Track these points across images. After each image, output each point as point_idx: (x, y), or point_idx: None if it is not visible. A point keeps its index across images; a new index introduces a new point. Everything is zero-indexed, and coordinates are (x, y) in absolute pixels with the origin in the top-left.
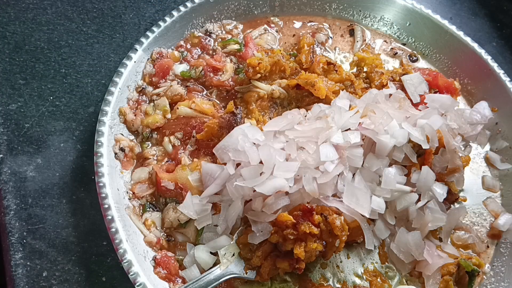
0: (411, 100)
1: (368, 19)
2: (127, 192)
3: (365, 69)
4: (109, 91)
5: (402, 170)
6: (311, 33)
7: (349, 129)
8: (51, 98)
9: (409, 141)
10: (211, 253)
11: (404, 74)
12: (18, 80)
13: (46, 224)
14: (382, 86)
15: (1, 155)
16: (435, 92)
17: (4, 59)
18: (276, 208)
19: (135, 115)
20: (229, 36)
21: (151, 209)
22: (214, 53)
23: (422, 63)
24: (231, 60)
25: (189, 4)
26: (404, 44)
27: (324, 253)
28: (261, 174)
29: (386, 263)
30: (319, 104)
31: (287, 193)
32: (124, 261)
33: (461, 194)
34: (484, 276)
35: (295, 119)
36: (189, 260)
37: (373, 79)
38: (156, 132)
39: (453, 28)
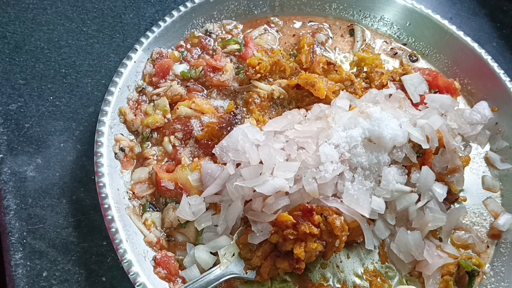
0: (411, 100)
1: (368, 19)
2: (127, 192)
3: (365, 69)
4: (109, 91)
5: (402, 170)
6: (311, 33)
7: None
8: (51, 98)
9: (409, 141)
10: (211, 253)
11: (404, 74)
12: (18, 80)
13: (46, 224)
14: (382, 86)
15: (1, 155)
16: (435, 92)
17: (4, 59)
18: (276, 208)
19: (135, 115)
20: (229, 36)
21: (151, 209)
22: (214, 53)
23: (422, 63)
24: (231, 60)
25: (189, 4)
26: (404, 44)
27: (324, 253)
28: (261, 174)
29: (386, 263)
30: (319, 104)
31: (287, 193)
32: (124, 261)
33: (461, 194)
34: (484, 276)
35: (295, 119)
36: (189, 260)
37: (373, 79)
38: (156, 132)
39: (453, 28)
